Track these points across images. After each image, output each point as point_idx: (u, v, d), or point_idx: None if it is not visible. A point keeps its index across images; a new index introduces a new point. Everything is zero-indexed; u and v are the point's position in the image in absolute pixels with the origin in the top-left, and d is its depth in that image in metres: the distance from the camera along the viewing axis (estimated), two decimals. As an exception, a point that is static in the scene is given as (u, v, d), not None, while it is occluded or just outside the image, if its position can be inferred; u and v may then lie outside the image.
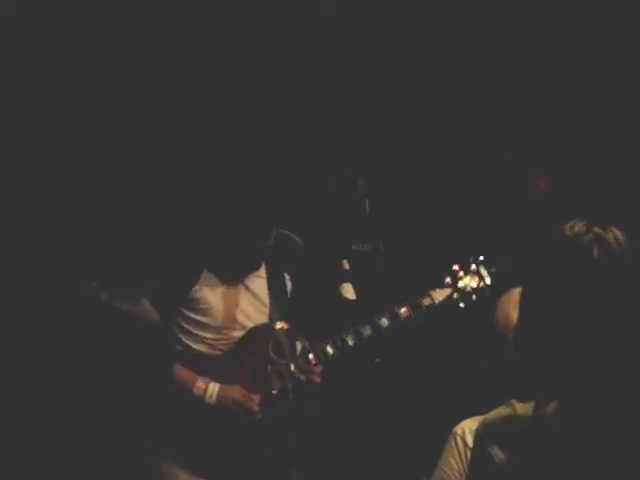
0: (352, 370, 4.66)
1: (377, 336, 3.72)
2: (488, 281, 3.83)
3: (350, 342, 3.71)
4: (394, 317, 3.75)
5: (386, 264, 4.51)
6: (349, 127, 4.89)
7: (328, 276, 3.93)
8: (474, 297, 3.81)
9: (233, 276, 3.74)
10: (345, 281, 4.18)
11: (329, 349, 3.71)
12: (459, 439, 2.38)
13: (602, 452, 1.91)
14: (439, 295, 3.81)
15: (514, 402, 1.98)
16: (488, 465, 1.94)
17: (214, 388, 3.57)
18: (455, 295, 3.82)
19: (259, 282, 3.80)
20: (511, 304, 2.48)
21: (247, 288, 3.78)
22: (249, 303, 3.76)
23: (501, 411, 2.00)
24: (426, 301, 3.80)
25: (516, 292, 2.34)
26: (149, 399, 1.79)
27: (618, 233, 1.99)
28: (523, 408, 1.96)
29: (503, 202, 4.63)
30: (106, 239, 4.39)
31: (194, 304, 3.60)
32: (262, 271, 3.81)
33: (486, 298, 3.75)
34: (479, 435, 2.00)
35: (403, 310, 3.77)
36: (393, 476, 4.41)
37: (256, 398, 3.66)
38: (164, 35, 4.76)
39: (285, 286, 3.83)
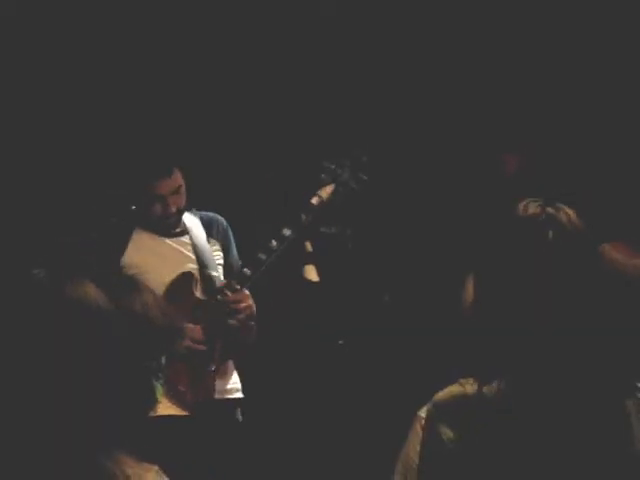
0: (317, 353, 4.65)
1: (284, 246, 3.80)
2: (361, 167, 4.05)
3: (262, 257, 3.77)
4: (294, 224, 3.85)
5: (353, 247, 4.52)
6: (338, 120, 4.92)
7: (290, 258, 3.93)
8: (354, 185, 4.01)
9: (155, 233, 3.80)
10: (308, 263, 4.19)
11: (246, 271, 3.77)
12: (424, 422, 2.35)
13: (549, 431, 1.91)
14: (324, 192, 3.95)
15: (464, 381, 1.98)
16: (438, 444, 1.93)
17: None
18: (340, 188, 3.98)
19: (183, 244, 3.86)
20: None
21: (172, 247, 3.83)
22: (177, 259, 3.81)
23: (451, 390, 1.98)
24: (315, 200, 3.92)
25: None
26: (106, 388, 1.73)
27: (571, 213, 1.99)
28: (473, 387, 1.95)
29: (476, 184, 4.64)
30: (38, 226, 4.38)
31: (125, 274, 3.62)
32: (186, 237, 3.87)
33: (364, 182, 4.01)
34: (429, 415, 1.99)
35: (299, 216, 3.89)
36: (363, 461, 4.39)
37: (197, 330, 3.68)
38: (164, 34, 4.79)
39: (210, 249, 3.88)
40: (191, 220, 3.89)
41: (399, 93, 4.96)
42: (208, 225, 3.92)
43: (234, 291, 3.71)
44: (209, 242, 3.89)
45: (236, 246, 4.00)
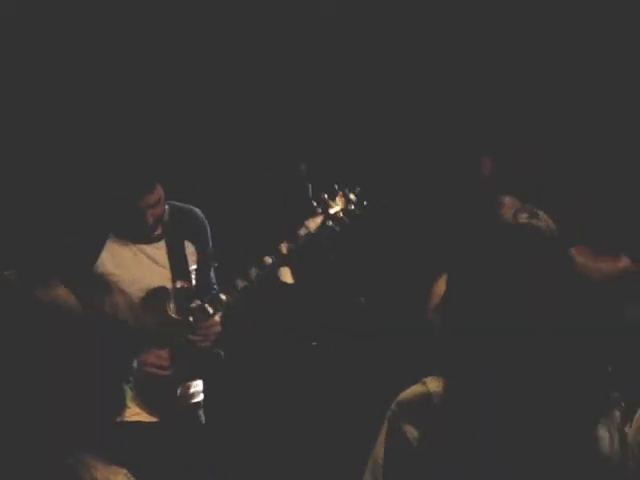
0: (291, 355, 4.67)
1: (264, 274, 3.76)
2: (354, 201, 3.95)
3: (240, 284, 3.74)
4: (276, 253, 3.80)
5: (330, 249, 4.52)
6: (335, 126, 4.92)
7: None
8: (346, 220, 3.91)
9: (131, 241, 3.77)
10: (283, 265, 4.18)
11: (222, 296, 3.73)
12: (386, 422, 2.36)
13: (518, 430, 1.92)
14: (313, 223, 3.87)
15: (427, 380, 1.99)
16: (403, 443, 1.95)
17: None
18: (329, 222, 3.90)
19: (158, 252, 3.82)
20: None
21: (148, 257, 3.80)
22: (150, 271, 3.77)
23: (414, 390, 2.00)
24: (302, 231, 3.85)
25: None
26: (77, 393, 1.73)
27: (549, 220, 2.01)
28: (436, 386, 1.97)
29: (453, 185, 4.66)
30: (11, 228, 4.37)
31: (97, 278, 3.59)
32: (161, 243, 3.84)
33: (357, 216, 3.91)
34: (392, 414, 2.00)
35: (283, 245, 3.82)
36: (336, 460, 4.40)
37: (164, 354, 3.65)
38: (163, 34, 4.82)
39: (185, 254, 3.85)
40: (169, 221, 3.85)
41: (392, 93, 4.98)
42: (183, 223, 3.89)
43: (207, 316, 3.70)
44: (184, 245, 3.87)
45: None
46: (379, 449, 2.32)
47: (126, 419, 1.75)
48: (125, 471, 1.76)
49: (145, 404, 3.58)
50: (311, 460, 4.58)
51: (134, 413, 3.52)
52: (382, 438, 2.28)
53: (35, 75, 4.64)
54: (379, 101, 5.00)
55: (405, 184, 4.96)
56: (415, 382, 2.03)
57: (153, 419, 3.62)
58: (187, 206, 3.95)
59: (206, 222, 3.95)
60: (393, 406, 2.02)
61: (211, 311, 3.71)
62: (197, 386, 3.88)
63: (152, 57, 4.81)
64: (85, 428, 1.71)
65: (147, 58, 4.81)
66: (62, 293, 1.74)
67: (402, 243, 4.84)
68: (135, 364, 3.50)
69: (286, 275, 4.24)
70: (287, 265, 4.23)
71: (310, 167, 4.70)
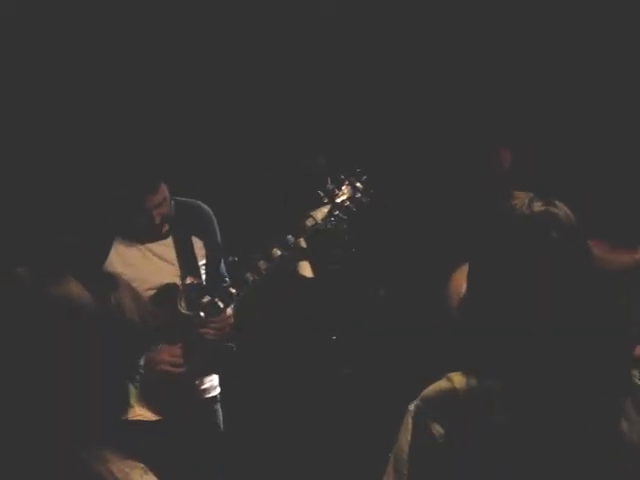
0: (311, 349, 4.67)
1: (273, 267, 3.75)
2: (361, 189, 3.92)
3: (250, 278, 3.73)
4: (285, 245, 3.78)
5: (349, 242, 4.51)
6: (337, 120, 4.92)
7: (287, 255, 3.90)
8: (353, 208, 3.89)
9: (138, 241, 3.78)
10: (302, 259, 4.18)
11: (232, 290, 3.73)
12: (412, 418, 2.36)
13: (543, 427, 1.91)
14: (319, 214, 3.86)
15: (452, 376, 1.97)
16: (428, 440, 1.93)
17: None
18: (336, 211, 3.88)
19: (166, 250, 3.82)
20: (464, 280, 2.46)
21: (156, 255, 3.81)
22: (159, 269, 3.78)
23: (440, 385, 1.98)
24: (309, 222, 3.84)
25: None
26: (91, 387, 1.74)
27: (567, 210, 1.99)
28: (461, 382, 1.95)
29: (470, 178, 4.66)
30: (21, 224, 4.38)
31: (105, 277, 3.58)
32: (169, 240, 3.84)
33: (364, 204, 3.88)
34: (418, 411, 1.99)
35: (290, 237, 3.81)
36: (358, 453, 4.40)
37: (177, 350, 3.67)
38: (162, 34, 4.83)
39: (193, 250, 3.84)
40: (175, 217, 3.85)
41: (397, 90, 4.98)
42: (190, 218, 3.88)
43: (218, 310, 3.71)
44: (192, 241, 3.86)
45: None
46: (402, 443, 2.31)
47: (129, 418, 1.76)
48: (142, 465, 1.77)
49: (150, 404, 3.58)
50: (328, 454, 4.59)
51: (137, 414, 3.50)
52: (405, 432, 2.27)
53: (39, 75, 4.64)
54: (387, 98, 5.00)
55: (423, 177, 4.95)
56: (438, 378, 2.02)
57: (155, 418, 3.60)
58: (193, 201, 3.94)
59: (213, 216, 3.94)
60: (418, 401, 2.01)
61: (222, 305, 3.71)
62: (212, 380, 3.88)
63: (153, 58, 4.80)
64: (100, 422, 1.72)
65: (148, 59, 4.80)
66: (75, 289, 1.75)
67: (421, 235, 4.84)
68: (142, 362, 3.50)
69: (305, 269, 4.25)
70: (306, 259, 4.23)
71: (330, 160, 4.70)
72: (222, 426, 3.91)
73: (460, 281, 2.51)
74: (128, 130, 4.11)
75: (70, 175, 4.38)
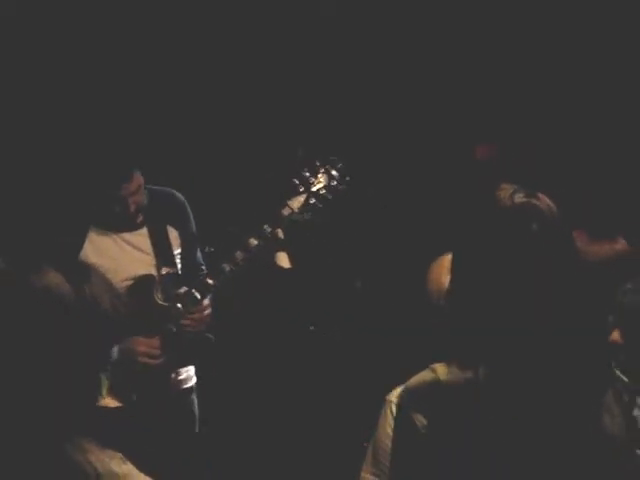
0: (288, 339, 4.67)
1: (250, 257, 3.71)
2: (337, 177, 3.88)
3: (227, 269, 3.70)
4: (261, 235, 3.75)
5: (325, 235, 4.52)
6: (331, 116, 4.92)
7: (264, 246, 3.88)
8: (329, 196, 3.86)
9: (113, 231, 3.75)
10: (279, 250, 4.17)
11: (209, 281, 3.70)
12: (393, 407, 2.36)
13: (525, 418, 1.90)
14: (296, 203, 3.83)
15: (437, 367, 1.96)
16: (411, 431, 1.92)
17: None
18: (312, 200, 3.84)
19: (141, 239, 3.80)
20: (442, 270, 2.46)
21: (130, 244, 3.78)
22: (134, 259, 3.76)
23: (423, 376, 1.97)
24: (286, 211, 3.81)
25: (447, 259, 2.32)
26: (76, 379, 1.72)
27: (548, 201, 1.98)
28: (445, 373, 1.94)
29: (451, 172, 4.67)
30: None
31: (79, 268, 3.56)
32: (143, 229, 3.81)
33: (340, 192, 3.85)
34: (402, 401, 1.98)
35: (266, 226, 3.78)
36: (333, 444, 4.40)
37: (155, 342, 3.65)
38: (162, 33, 4.78)
39: (168, 239, 3.82)
40: (149, 205, 3.81)
41: (396, 89, 4.98)
42: (164, 206, 3.85)
43: (195, 301, 3.68)
44: (167, 230, 3.83)
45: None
46: (381, 433, 2.30)
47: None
48: (120, 455, 1.76)
49: (121, 395, 3.54)
50: (308, 447, 4.59)
51: (108, 401, 3.44)
52: (384, 423, 2.26)
53: (39, 76, 4.62)
54: (380, 99, 5.00)
55: (405, 172, 4.96)
56: (421, 369, 2.01)
57: (119, 405, 3.54)
58: (167, 189, 3.91)
59: (187, 205, 3.91)
60: (401, 392, 2.00)
61: (199, 296, 3.68)
62: (188, 371, 3.86)
63: (154, 58, 4.79)
64: (72, 413, 1.71)
65: (149, 59, 4.78)
66: (55, 279, 1.74)
67: (399, 227, 4.84)
68: (115, 354, 3.49)
69: (283, 259, 4.24)
70: (283, 250, 4.22)
71: (307, 152, 4.70)
72: (197, 415, 3.90)
73: (439, 272, 2.51)
74: (102, 118, 4.10)
75: (44, 165, 4.35)
